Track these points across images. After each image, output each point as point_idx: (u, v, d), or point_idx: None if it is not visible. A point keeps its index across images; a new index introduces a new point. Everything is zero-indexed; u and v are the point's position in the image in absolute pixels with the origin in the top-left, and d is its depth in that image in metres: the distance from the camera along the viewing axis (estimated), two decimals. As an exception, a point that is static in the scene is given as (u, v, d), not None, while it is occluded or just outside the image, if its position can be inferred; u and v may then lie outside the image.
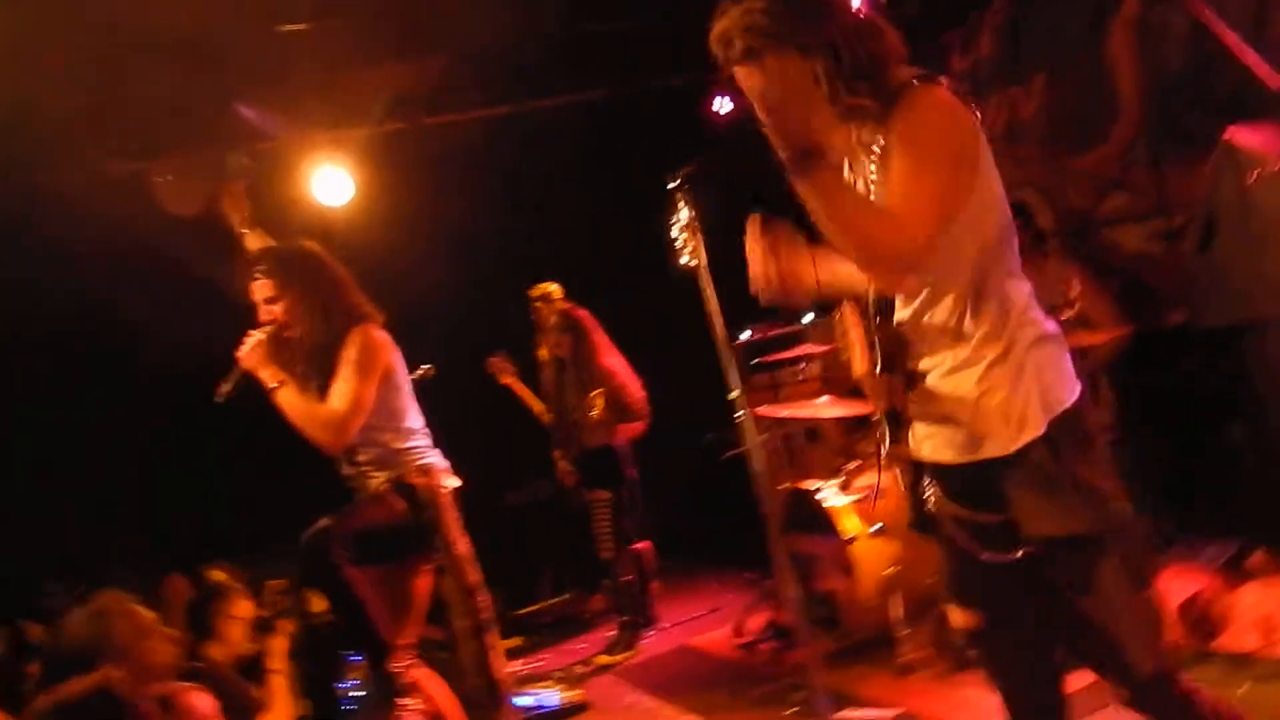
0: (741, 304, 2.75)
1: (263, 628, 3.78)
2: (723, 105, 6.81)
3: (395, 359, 3.52)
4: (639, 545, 5.50)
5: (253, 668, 3.77)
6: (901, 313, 2.01)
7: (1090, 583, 1.87)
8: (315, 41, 4.95)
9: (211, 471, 5.76)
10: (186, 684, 2.94)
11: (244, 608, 3.84)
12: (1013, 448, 1.89)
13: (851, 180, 2.08)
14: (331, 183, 5.59)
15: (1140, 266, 4.87)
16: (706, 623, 5.37)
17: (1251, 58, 1.51)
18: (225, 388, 3.34)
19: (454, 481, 3.60)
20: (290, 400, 3.30)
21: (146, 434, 5.65)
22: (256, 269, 3.44)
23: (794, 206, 2.03)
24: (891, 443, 2.06)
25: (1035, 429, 1.87)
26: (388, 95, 5.62)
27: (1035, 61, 5.22)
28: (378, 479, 3.46)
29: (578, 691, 4.58)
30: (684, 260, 2.71)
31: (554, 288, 5.49)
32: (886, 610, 4.04)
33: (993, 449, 1.91)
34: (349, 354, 3.33)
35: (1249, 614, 3.17)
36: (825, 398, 4.68)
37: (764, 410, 4.82)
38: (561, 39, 5.60)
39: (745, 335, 6.34)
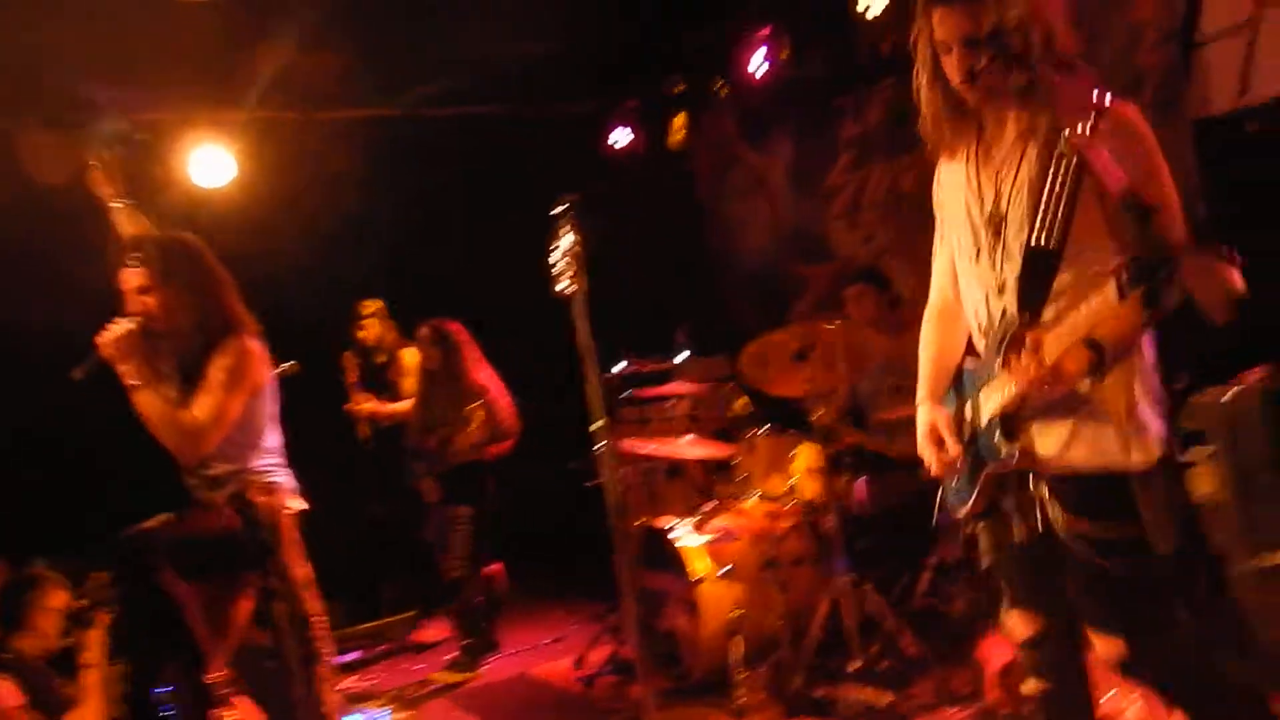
0: (618, 336, 2.78)
1: (78, 620, 3.57)
2: (620, 138, 6.91)
3: (267, 374, 3.41)
4: (492, 567, 5.45)
5: (67, 662, 3.57)
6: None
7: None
8: (214, 16, 4.79)
9: (49, 460, 5.42)
10: None
11: (59, 598, 3.64)
12: (1149, 462, 1.99)
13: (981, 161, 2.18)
14: (211, 164, 5.42)
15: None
16: (549, 652, 5.33)
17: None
18: (79, 372, 3.16)
19: (300, 504, 3.46)
20: (150, 403, 3.15)
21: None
22: (131, 255, 3.27)
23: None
24: (1007, 439, 2.09)
25: (1160, 447, 2.01)
26: (282, 82, 5.47)
27: (916, 137, 5.44)
28: (221, 494, 3.32)
29: (410, 713, 4.48)
30: (562, 286, 2.72)
31: (379, 305, 5.59)
32: (727, 653, 4.09)
33: (1135, 459, 1.99)
34: (222, 363, 3.22)
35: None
36: (690, 437, 4.75)
37: (629, 444, 4.85)
38: (468, 53, 5.56)
39: (619, 367, 6.39)
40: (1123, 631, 2.06)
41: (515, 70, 6.05)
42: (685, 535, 4.36)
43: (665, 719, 3.05)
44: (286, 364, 4.49)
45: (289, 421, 3.58)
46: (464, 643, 5.15)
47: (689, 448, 4.61)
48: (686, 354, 6.23)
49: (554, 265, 2.70)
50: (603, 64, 6.36)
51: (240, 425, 3.29)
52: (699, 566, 4.23)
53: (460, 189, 6.38)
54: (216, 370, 3.20)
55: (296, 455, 3.57)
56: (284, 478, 3.45)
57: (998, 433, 2.10)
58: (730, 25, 6.04)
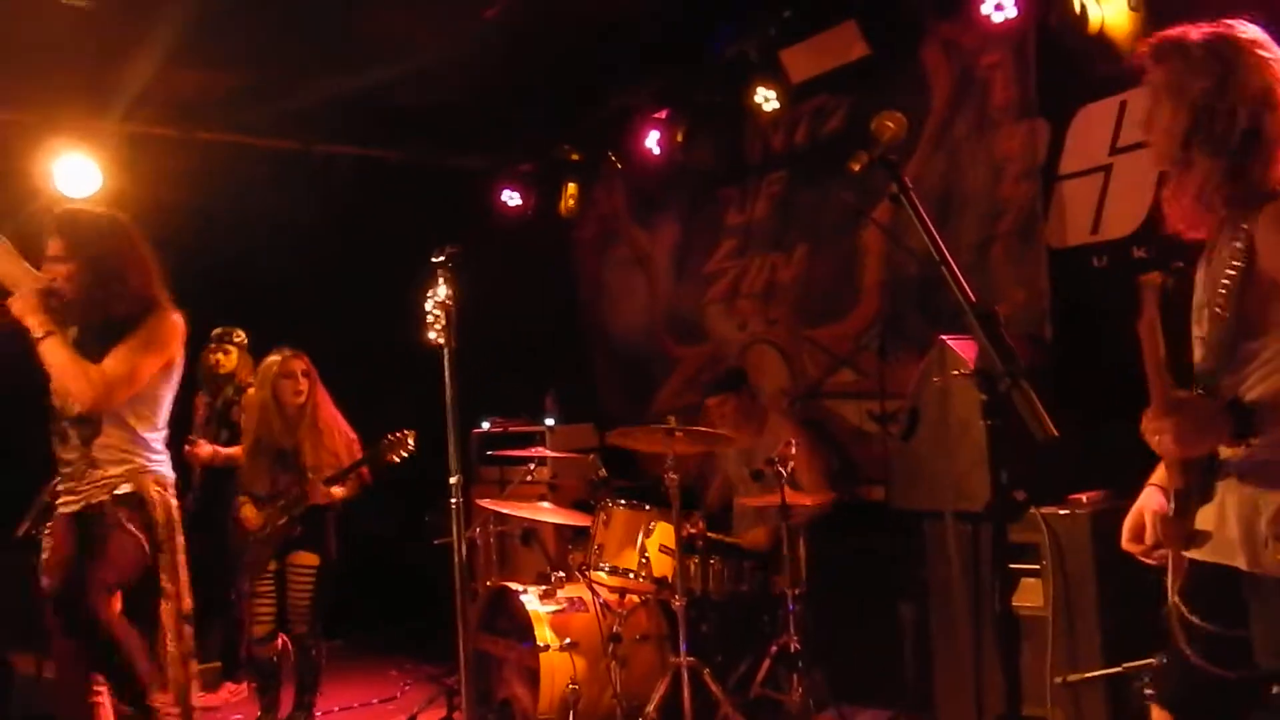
0: (485, 394, 2.76)
1: None
2: (510, 198, 6.95)
3: (180, 352, 3.41)
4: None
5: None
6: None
7: None
8: (100, 22, 4.63)
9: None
10: None
11: None
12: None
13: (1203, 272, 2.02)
14: (77, 173, 5.19)
15: (852, 441, 5.30)
16: (380, 712, 5.13)
17: (958, 278, 1.69)
18: None
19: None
20: (56, 350, 3.12)
21: None
22: (54, 223, 3.28)
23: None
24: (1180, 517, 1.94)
25: None
26: (163, 98, 5.31)
27: (799, 233, 5.67)
28: (106, 474, 3.24)
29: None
30: (432, 336, 2.70)
31: (244, 337, 5.37)
32: (560, 726, 4.03)
33: (1247, 559, 1.85)
34: (144, 328, 3.25)
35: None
36: (547, 504, 4.71)
37: (486, 503, 4.77)
38: (367, 94, 5.52)
39: (485, 425, 6.33)
40: None
41: (411, 117, 6.04)
42: (532, 601, 4.29)
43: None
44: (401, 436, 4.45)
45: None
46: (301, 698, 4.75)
47: (546, 513, 4.57)
48: (552, 420, 6.23)
49: (427, 314, 2.68)
50: (499, 123, 6.41)
51: (143, 397, 3.29)
52: (543, 634, 4.16)
53: (340, 228, 6.25)
54: (136, 334, 3.22)
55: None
56: (169, 470, 3.42)
57: None
58: (628, 104, 6.18)
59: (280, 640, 4.57)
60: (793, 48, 5.28)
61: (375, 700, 5.29)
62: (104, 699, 3.22)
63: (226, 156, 5.87)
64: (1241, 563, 1.85)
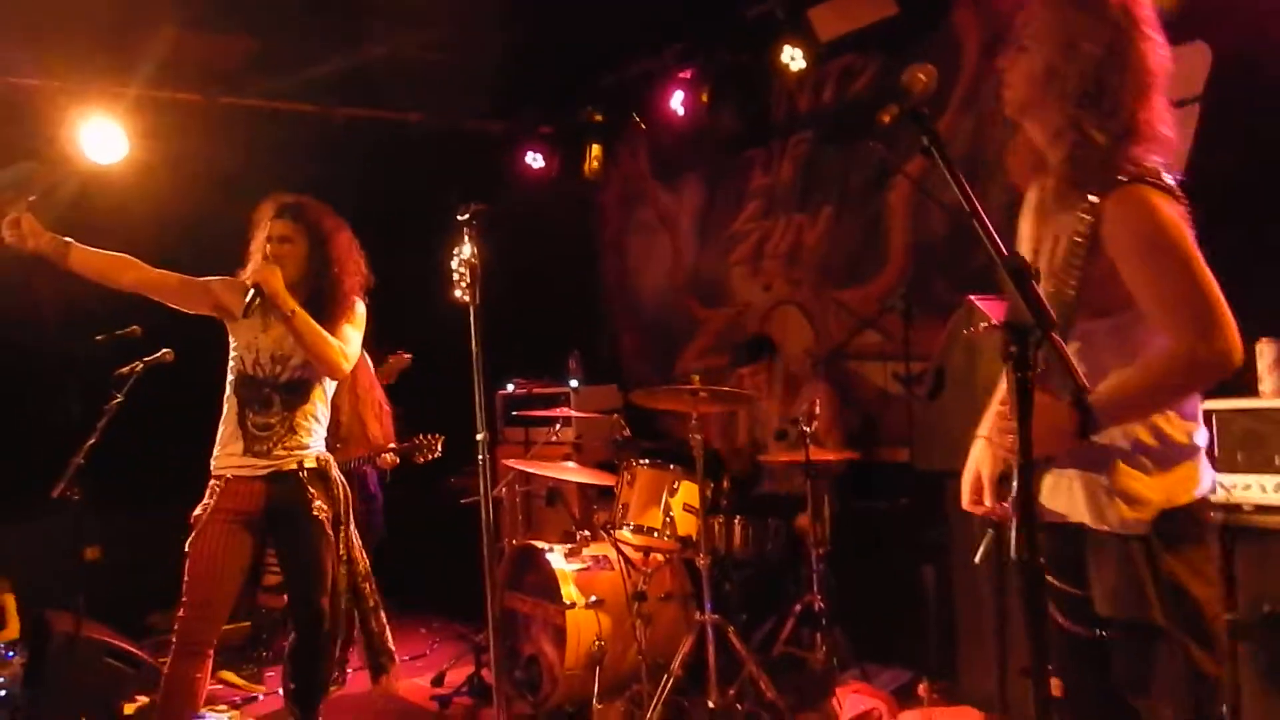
0: (507, 356, 2.78)
1: None
2: (532, 160, 6.92)
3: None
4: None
5: None
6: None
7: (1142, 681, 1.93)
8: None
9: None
10: None
11: None
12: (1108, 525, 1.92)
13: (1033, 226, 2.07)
14: (103, 138, 5.20)
15: (877, 403, 5.28)
16: (407, 669, 5.20)
17: (989, 230, 1.67)
18: (245, 307, 3.31)
19: None
20: (308, 323, 3.30)
21: None
22: (282, 208, 3.46)
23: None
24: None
25: (1143, 515, 1.90)
26: (185, 63, 5.31)
27: (825, 195, 5.63)
28: (301, 442, 3.43)
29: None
30: (458, 294, 2.70)
31: None
32: (587, 683, 4.07)
33: (1092, 517, 1.94)
34: (354, 311, 3.50)
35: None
36: (571, 464, 4.74)
37: (511, 462, 4.81)
38: (387, 54, 5.50)
39: (509, 387, 6.36)
40: None
41: (432, 80, 6.02)
42: (558, 560, 4.34)
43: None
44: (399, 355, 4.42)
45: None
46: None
47: (570, 472, 4.59)
48: (575, 382, 6.25)
49: (452, 271, 2.69)
50: (522, 85, 6.37)
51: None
52: (569, 593, 4.21)
53: (363, 191, 6.25)
54: (348, 314, 3.46)
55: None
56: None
57: None
58: (652, 64, 6.13)
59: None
60: (821, 6, 5.22)
61: (406, 657, 5.36)
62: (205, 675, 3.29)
63: (250, 122, 5.87)
64: (1088, 519, 1.94)
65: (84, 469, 3.62)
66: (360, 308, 3.53)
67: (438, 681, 4.76)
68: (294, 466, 3.40)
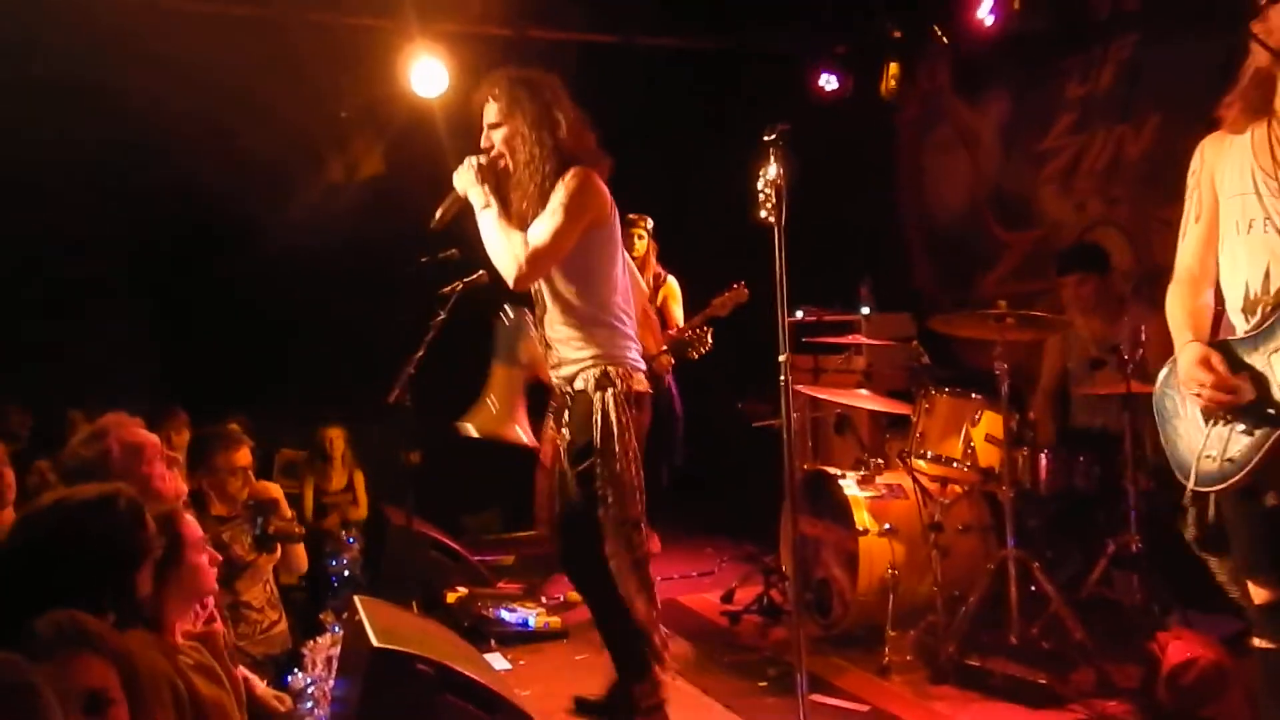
0: (797, 281, 2.75)
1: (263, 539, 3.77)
2: (829, 82, 6.73)
3: (612, 218, 3.12)
4: None
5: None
6: None
7: None
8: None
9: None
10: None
11: (244, 457, 3.87)
12: None
13: None
14: (428, 74, 5.60)
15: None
16: (697, 584, 5.40)
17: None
18: (438, 215, 3.17)
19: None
20: (491, 222, 3.01)
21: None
22: (489, 89, 3.12)
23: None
24: None
25: None
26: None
27: (1152, 103, 5.09)
28: (564, 360, 3.10)
29: (556, 619, 4.62)
30: (763, 215, 2.69)
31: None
32: (878, 610, 4.04)
33: None
34: (564, 189, 2.97)
35: (1242, 691, 3.12)
36: (864, 392, 4.65)
37: (803, 388, 4.78)
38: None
39: (798, 314, 6.32)
40: None
41: (727, 4, 5.98)
42: (851, 486, 4.30)
43: (810, 665, 3.02)
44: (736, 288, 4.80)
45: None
46: None
47: (864, 399, 4.51)
48: (867, 309, 6.11)
49: (758, 192, 2.68)
50: (817, 5, 6.20)
51: (578, 272, 3.05)
52: (862, 519, 4.17)
53: (662, 117, 6.36)
54: (556, 198, 2.97)
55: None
56: (633, 356, 3.14)
57: None
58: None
59: None
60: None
61: (695, 573, 5.56)
62: None
63: (555, 55, 6.10)
64: None
65: (413, 378, 3.97)
66: (577, 182, 2.97)
67: (727, 599, 4.89)
68: (567, 388, 3.11)
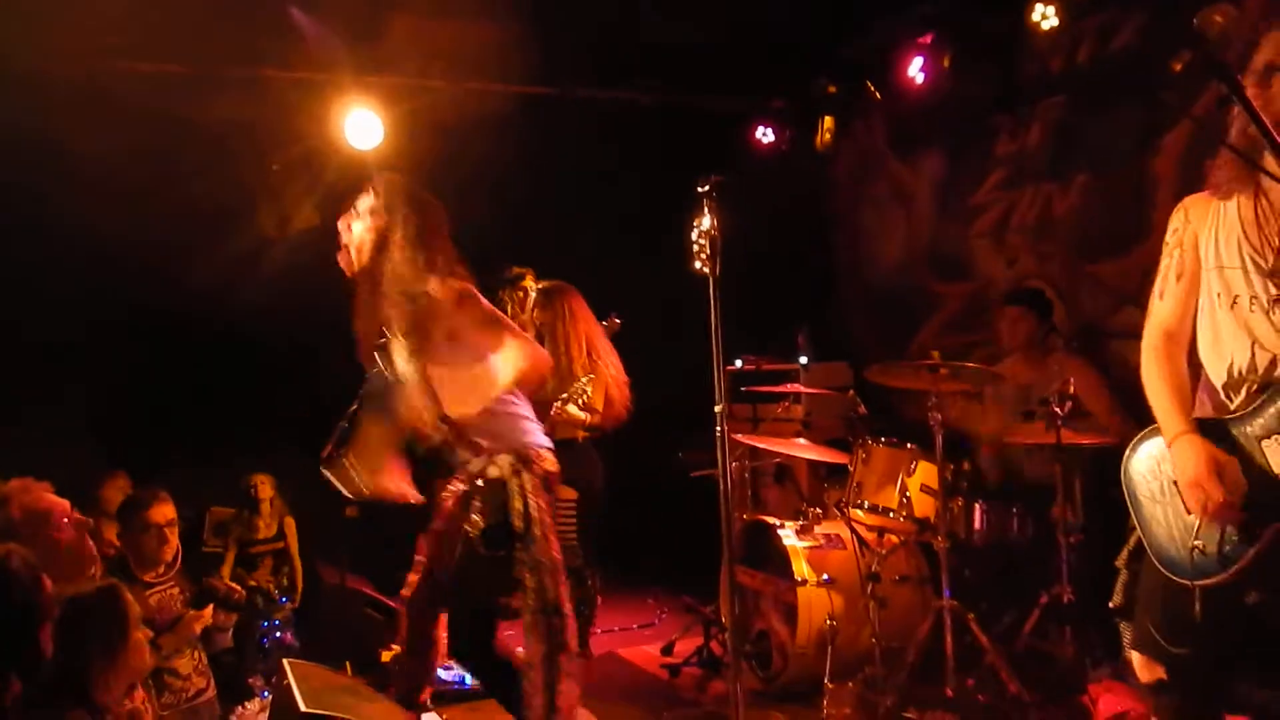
0: (735, 331, 2.76)
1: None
2: (765, 135, 6.84)
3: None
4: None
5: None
6: None
7: None
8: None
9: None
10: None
11: (160, 513, 3.74)
12: None
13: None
14: (363, 126, 5.57)
15: (1138, 385, 4.88)
16: (638, 636, 5.34)
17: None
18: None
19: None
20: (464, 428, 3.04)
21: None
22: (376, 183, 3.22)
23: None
24: None
25: None
26: (433, 49, 5.59)
27: (1079, 162, 5.25)
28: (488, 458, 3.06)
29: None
30: (698, 265, 2.70)
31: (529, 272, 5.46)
32: (817, 662, 4.02)
33: None
34: (481, 309, 3.10)
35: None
36: (802, 441, 4.67)
37: (742, 437, 4.79)
38: (621, 39, 5.58)
39: (737, 363, 6.35)
40: None
41: (664, 59, 6.05)
42: (789, 537, 4.30)
43: (750, 717, 2.99)
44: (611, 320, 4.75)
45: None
46: None
47: (803, 449, 4.53)
48: (805, 358, 6.16)
49: (692, 243, 2.69)
50: (753, 60, 6.30)
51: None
52: (800, 569, 4.16)
53: (596, 174, 6.40)
54: (472, 319, 3.04)
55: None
56: (540, 434, 3.17)
57: None
58: (890, 31, 5.91)
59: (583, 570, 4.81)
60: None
61: (635, 625, 5.50)
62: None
63: (491, 105, 6.11)
64: None
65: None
66: (474, 302, 3.03)
67: (667, 651, 4.84)
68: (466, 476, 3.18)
